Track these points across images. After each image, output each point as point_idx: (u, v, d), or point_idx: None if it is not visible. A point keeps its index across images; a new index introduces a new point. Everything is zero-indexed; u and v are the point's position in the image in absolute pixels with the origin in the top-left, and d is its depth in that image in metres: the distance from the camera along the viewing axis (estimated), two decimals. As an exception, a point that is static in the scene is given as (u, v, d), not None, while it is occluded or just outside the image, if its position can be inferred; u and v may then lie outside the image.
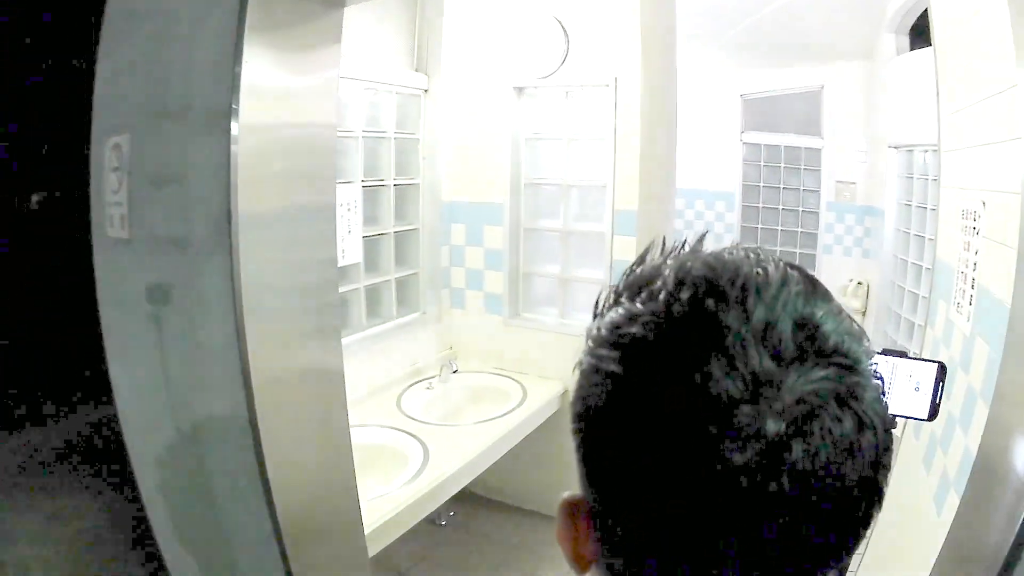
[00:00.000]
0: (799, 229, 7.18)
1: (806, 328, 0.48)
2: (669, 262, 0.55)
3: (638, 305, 0.52)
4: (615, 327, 0.52)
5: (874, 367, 0.51)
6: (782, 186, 7.13)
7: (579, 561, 0.57)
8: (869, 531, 0.51)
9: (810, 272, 0.54)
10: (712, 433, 0.45)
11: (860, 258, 6.99)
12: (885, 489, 0.51)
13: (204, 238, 1.43)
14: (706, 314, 0.48)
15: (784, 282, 0.50)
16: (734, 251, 0.54)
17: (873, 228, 6.58)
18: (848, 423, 0.47)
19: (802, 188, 7.07)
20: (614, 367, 0.51)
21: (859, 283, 6.84)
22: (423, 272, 4.14)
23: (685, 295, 0.50)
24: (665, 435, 0.47)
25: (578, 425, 0.56)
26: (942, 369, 1.32)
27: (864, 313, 6.96)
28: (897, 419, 1.19)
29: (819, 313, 0.50)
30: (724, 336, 0.47)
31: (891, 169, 5.57)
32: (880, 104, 5.91)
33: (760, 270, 0.51)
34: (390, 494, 2.75)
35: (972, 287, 2.08)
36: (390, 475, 2.99)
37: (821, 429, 0.46)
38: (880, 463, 0.50)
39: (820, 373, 0.47)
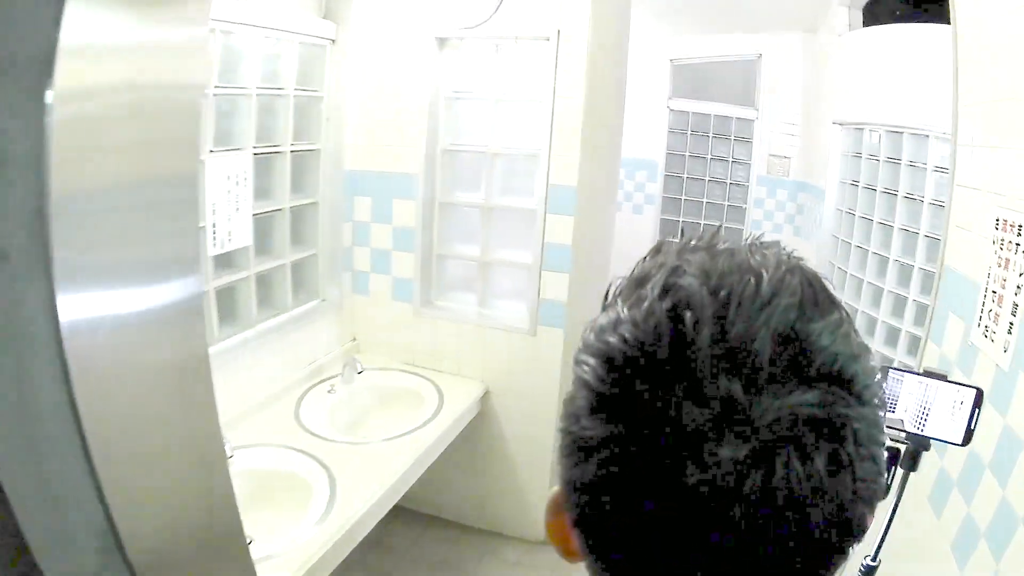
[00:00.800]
0: (726, 202, 6.89)
1: (791, 345, 0.45)
2: (669, 260, 0.51)
3: (624, 311, 0.50)
4: (600, 331, 0.50)
5: (877, 387, 0.48)
6: (710, 156, 6.78)
7: (570, 555, 0.56)
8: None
9: (818, 277, 0.50)
10: (674, 459, 0.44)
11: (791, 235, 6.79)
12: (868, 523, 0.49)
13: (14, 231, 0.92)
14: (679, 333, 0.46)
15: (775, 293, 0.47)
16: (739, 252, 0.50)
17: (807, 205, 6.42)
18: (819, 461, 0.44)
19: (731, 159, 6.77)
20: (590, 378, 0.49)
21: None
22: (322, 253, 3.57)
23: (665, 306, 0.47)
24: (631, 455, 0.46)
25: (561, 425, 0.52)
26: (980, 395, 1.35)
27: None
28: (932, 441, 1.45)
29: (812, 328, 0.46)
30: (693, 358, 0.45)
31: (834, 146, 5.38)
32: (824, 79, 5.73)
33: (753, 278, 0.47)
34: (286, 553, 2.18)
35: (1013, 314, 1.82)
36: (290, 513, 2.45)
37: (785, 464, 0.43)
38: (860, 499, 0.47)
39: (799, 398, 0.44)
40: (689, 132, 6.73)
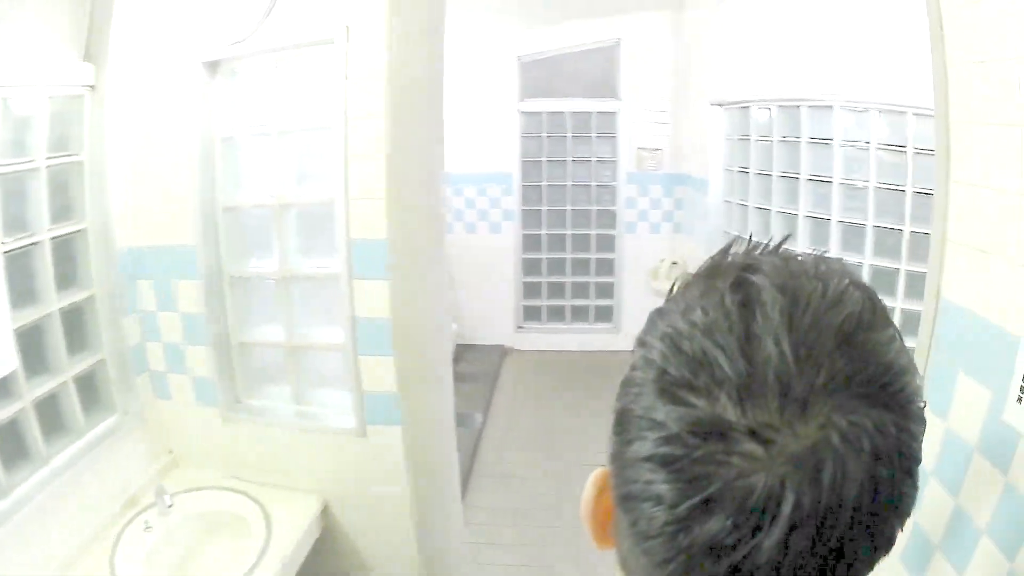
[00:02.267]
0: (593, 207, 6.27)
1: (852, 350, 0.47)
2: (740, 259, 0.53)
3: (695, 299, 0.51)
4: (668, 315, 0.52)
5: (920, 406, 0.50)
6: (570, 159, 6.12)
7: (603, 541, 0.59)
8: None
9: (876, 295, 0.51)
10: (726, 447, 0.45)
11: (671, 234, 6.33)
12: (896, 537, 0.49)
13: None
14: (747, 323, 0.47)
15: (840, 300, 0.49)
16: (806, 260, 0.52)
17: (686, 199, 5.98)
18: (863, 468, 0.45)
19: (594, 159, 6.14)
20: (657, 358, 0.50)
21: (674, 263, 6.08)
22: (110, 357, 2.73)
23: (738, 298, 0.49)
24: (688, 436, 0.46)
25: (618, 405, 0.54)
26: None
27: None
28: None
29: (871, 337, 0.48)
30: (760, 348, 0.46)
31: (715, 131, 4.92)
32: (697, 58, 5.33)
33: (820, 284, 0.49)
34: None
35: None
36: None
37: (832, 468, 0.44)
38: (895, 513, 0.48)
39: (852, 403, 0.45)
40: (545, 135, 6.04)
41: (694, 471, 0.45)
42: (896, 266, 3.61)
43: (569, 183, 6.16)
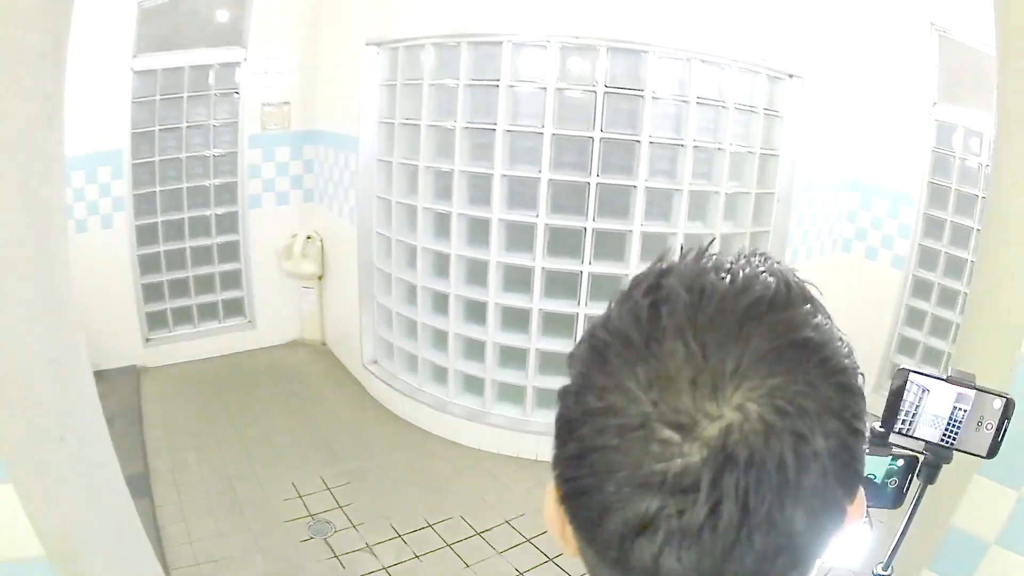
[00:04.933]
0: (211, 181, 5.26)
1: (759, 331, 0.49)
2: (659, 267, 0.55)
3: (614, 309, 0.54)
4: (592, 328, 0.55)
5: (847, 375, 0.50)
6: (185, 125, 4.99)
7: (569, 545, 0.58)
8: None
9: (800, 284, 0.53)
10: (642, 437, 0.47)
11: (302, 203, 5.63)
12: (847, 507, 0.51)
13: None
14: (654, 321, 0.50)
15: (747, 287, 0.50)
16: (724, 259, 0.54)
17: (318, 160, 5.40)
18: (783, 441, 0.47)
19: (213, 122, 5.09)
20: (579, 365, 0.53)
21: (308, 237, 5.38)
22: None
23: (647, 301, 0.51)
24: (606, 428, 0.49)
25: (556, 414, 0.55)
26: (1009, 405, 1.29)
27: (321, 278, 5.55)
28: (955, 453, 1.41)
29: (781, 316, 0.50)
30: (662, 340, 0.49)
31: (369, 75, 4.41)
32: None
33: (729, 275, 0.51)
34: None
35: None
36: None
37: (747, 442, 0.46)
38: (829, 480, 0.48)
39: (765, 381, 0.47)
40: (158, 98, 4.81)
41: (614, 459, 0.48)
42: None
43: (184, 155, 5.05)
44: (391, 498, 3.99)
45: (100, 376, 4.77)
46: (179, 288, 5.31)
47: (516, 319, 4.20)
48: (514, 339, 4.24)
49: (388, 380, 4.86)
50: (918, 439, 1.47)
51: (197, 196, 5.19)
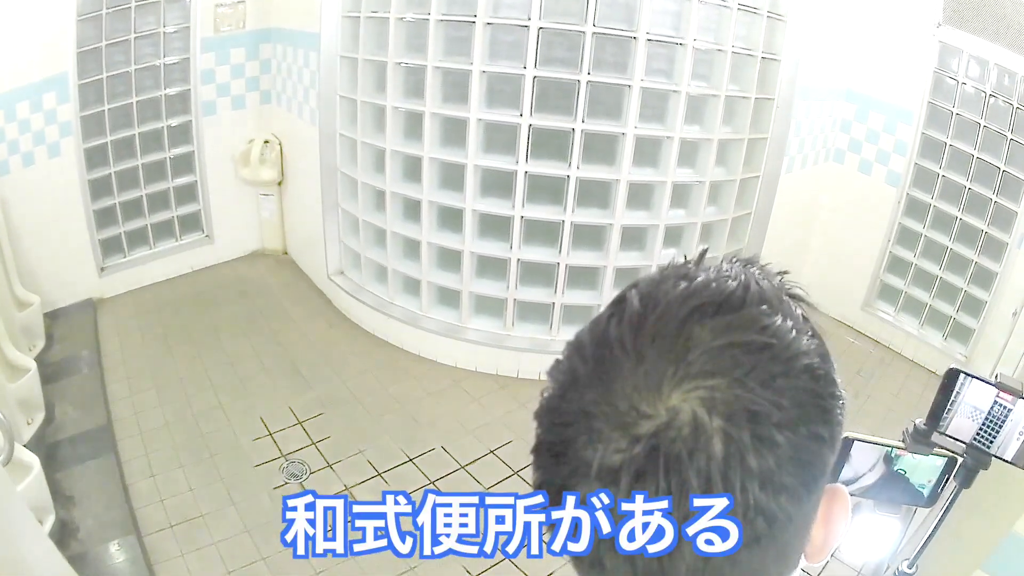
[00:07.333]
0: (162, 92, 4.83)
1: (699, 335, 0.50)
2: (638, 280, 0.57)
3: (585, 328, 0.56)
4: (566, 347, 0.56)
5: (797, 378, 0.51)
6: (134, 36, 4.55)
7: None
8: None
9: (752, 278, 0.53)
10: (582, 440, 0.51)
11: (258, 106, 5.27)
12: (803, 495, 0.51)
13: None
14: (604, 333, 0.53)
15: (694, 293, 0.52)
16: (693, 268, 0.55)
17: (275, 60, 5.07)
18: (715, 442, 0.48)
19: (163, 29, 4.66)
20: (550, 378, 0.56)
21: (266, 141, 5.10)
22: None
23: (607, 314, 0.54)
24: (558, 425, 0.53)
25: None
26: None
27: (281, 184, 5.40)
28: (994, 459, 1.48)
29: (727, 319, 0.51)
30: (608, 351, 0.52)
31: None
32: None
33: (685, 283, 0.53)
34: None
35: None
36: None
37: (685, 444, 0.48)
38: (765, 486, 0.49)
39: (700, 382, 0.49)
40: (105, 12, 4.34)
41: (567, 453, 0.51)
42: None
43: (133, 67, 4.61)
44: (366, 429, 3.75)
45: (56, 315, 4.46)
46: (133, 209, 4.93)
47: (495, 226, 3.94)
48: (493, 248, 3.99)
49: (355, 293, 4.61)
50: (955, 439, 1.51)
51: (148, 109, 4.79)
